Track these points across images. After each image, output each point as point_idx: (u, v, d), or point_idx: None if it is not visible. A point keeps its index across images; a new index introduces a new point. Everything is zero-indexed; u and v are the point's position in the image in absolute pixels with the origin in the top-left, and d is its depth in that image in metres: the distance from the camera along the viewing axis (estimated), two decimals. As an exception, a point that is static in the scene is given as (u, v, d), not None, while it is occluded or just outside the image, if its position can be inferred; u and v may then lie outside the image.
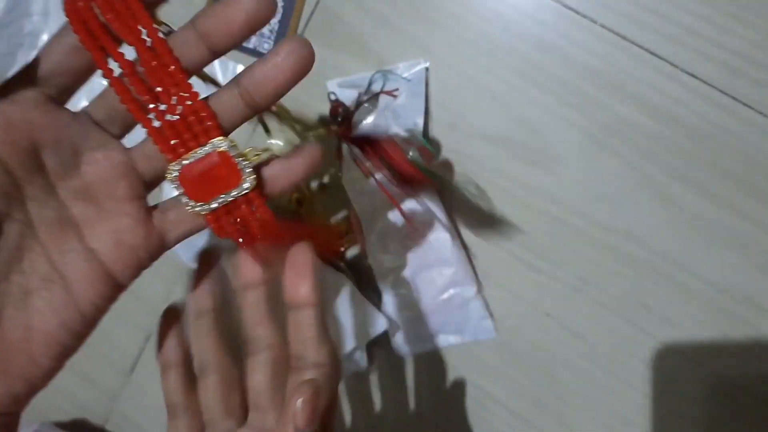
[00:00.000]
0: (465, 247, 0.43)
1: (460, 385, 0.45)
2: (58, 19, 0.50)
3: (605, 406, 0.43)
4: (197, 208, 0.23)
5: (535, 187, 0.43)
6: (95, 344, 0.52)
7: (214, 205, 0.23)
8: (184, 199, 0.23)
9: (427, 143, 0.43)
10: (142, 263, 0.24)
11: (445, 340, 0.44)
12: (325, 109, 0.44)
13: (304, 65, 0.22)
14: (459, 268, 0.42)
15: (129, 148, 0.24)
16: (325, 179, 0.47)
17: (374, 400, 0.48)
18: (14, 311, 0.22)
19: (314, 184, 0.46)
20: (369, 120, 0.43)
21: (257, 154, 0.23)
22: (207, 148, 0.22)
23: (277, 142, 0.23)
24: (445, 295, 0.42)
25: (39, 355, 0.22)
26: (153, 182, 0.24)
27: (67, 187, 0.23)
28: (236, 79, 0.23)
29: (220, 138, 0.22)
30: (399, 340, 0.44)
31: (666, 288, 0.42)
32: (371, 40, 0.44)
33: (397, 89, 0.43)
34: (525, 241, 0.43)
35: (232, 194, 0.23)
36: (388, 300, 0.44)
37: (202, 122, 0.22)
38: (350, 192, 0.43)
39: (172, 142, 0.22)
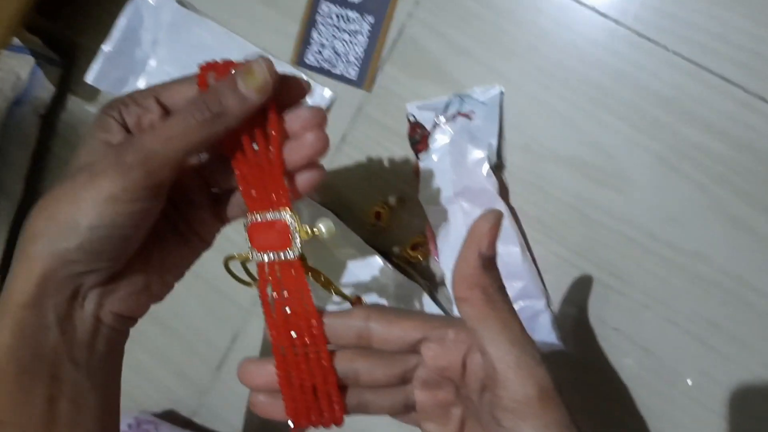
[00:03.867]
0: (534, 261, 0.46)
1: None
2: (165, 47, 0.55)
3: (671, 421, 0.44)
4: (254, 255, 0.29)
5: (606, 207, 0.45)
6: (189, 342, 0.57)
7: (266, 258, 0.29)
8: (248, 244, 0.30)
9: (501, 162, 0.45)
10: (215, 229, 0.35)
11: (513, 351, 0.46)
12: (405, 129, 0.48)
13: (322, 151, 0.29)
14: (529, 282, 0.44)
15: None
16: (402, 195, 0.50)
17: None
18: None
19: (392, 199, 0.49)
20: (446, 140, 0.46)
21: (308, 233, 0.28)
22: (275, 215, 0.29)
23: (322, 227, 0.29)
24: (515, 307, 0.44)
25: (167, 278, 0.34)
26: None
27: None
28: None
29: (288, 210, 0.28)
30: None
31: (735, 307, 0.43)
32: (450, 68, 0.47)
33: (472, 111, 0.45)
34: (594, 258, 0.45)
35: (282, 254, 0.29)
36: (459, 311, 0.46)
37: (279, 195, 0.29)
38: (426, 206, 0.46)
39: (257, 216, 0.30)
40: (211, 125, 0.27)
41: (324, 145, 0.29)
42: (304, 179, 0.30)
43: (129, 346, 0.59)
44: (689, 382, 0.44)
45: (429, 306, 0.47)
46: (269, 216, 0.29)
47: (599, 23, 0.44)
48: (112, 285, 0.29)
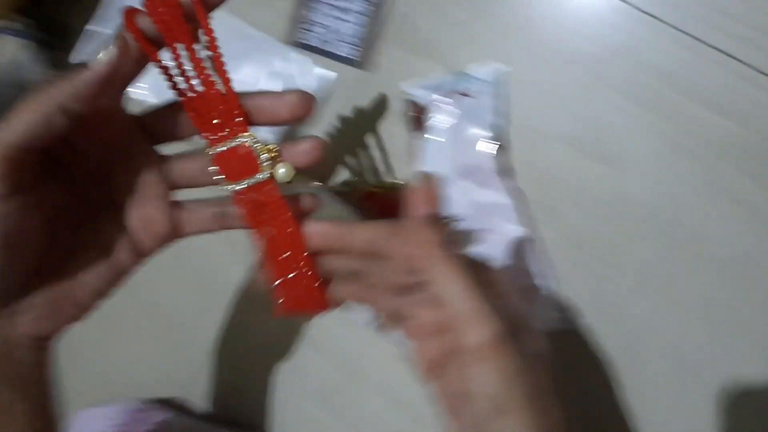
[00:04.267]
0: (539, 241, 0.45)
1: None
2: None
3: (674, 400, 0.44)
4: (228, 187, 0.28)
5: (609, 185, 0.44)
6: (187, 328, 0.56)
7: (239, 187, 0.28)
8: (218, 177, 0.28)
9: (504, 141, 0.45)
10: (159, 245, 0.30)
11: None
12: (403, 109, 0.47)
13: (302, 112, 0.28)
14: (528, 260, 0.43)
15: (167, 160, 0.30)
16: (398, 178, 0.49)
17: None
18: (70, 265, 0.28)
19: (388, 181, 0.49)
20: (443, 119, 0.45)
21: (274, 149, 0.28)
22: (236, 141, 0.28)
23: (281, 169, 0.28)
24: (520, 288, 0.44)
25: (83, 299, 0.29)
26: (180, 187, 0.30)
27: (115, 174, 0.29)
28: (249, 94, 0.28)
29: (246, 135, 0.28)
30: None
31: (739, 287, 0.42)
32: (446, 44, 0.46)
33: (472, 90, 0.45)
34: (598, 238, 0.45)
35: (252, 181, 0.28)
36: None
37: (234, 120, 0.28)
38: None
39: (213, 136, 0.28)
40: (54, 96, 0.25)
41: (308, 101, 0.28)
42: (301, 150, 0.29)
43: (127, 334, 0.58)
44: (691, 360, 0.43)
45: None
46: (231, 143, 0.28)
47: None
48: (13, 307, 0.27)
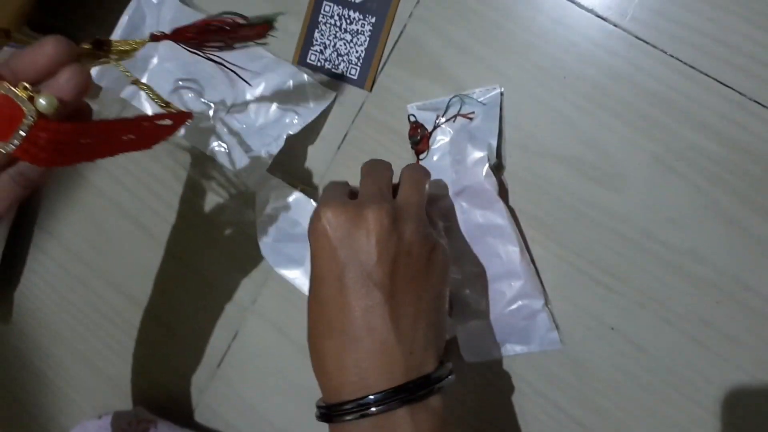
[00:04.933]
0: (533, 260, 0.46)
1: (525, 392, 0.48)
2: (167, 45, 0.55)
3: (666, 418, 0.45)
4: (5, 148, 0.27)
5: (602, 205, 0.45)
6: (188, 340, 0.57)
7: (16, 142, 0.27)
8: None
9: (500, 162, 0.46)
10: None
11: (511, 350, 0.47)
12: (406, 129, 0.48)
13: (62, 56, 0.28)
14: (528, 281, 0.44)
15: None
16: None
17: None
18: None
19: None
20: (446, 140, 0.47)
21: (28, 88, 0.27)
22: None
23: (41, 101, 0.27)
24: (514, 306, 0.45)
25: None
26: None
27: None
28: (7, 61, 0.28)
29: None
30: (467, 349, 0.47)
31: (729, 307, 0.43)
32: (450, 67, 0.48)
33: (473, 112, 0.46)
34: (591, 257, 0.46)
35: (24, 127, 0.27)
36: (458, 309, 0.47)
37: None
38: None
39: None
40: None
41: (60, 46, 0.28)
42: (63, 80, 0.28)
43: (127, 344, 0.59)
44: (685, 380, 0.44)
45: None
46: None
47: (597, 24, 0.44)
48: None
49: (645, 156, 0.44)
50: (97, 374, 0.62)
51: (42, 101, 0.27)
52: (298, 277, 0.51)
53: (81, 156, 0.30)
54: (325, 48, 0.51)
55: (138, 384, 0.60)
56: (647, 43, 0.44)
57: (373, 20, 0.49)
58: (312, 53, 0.51)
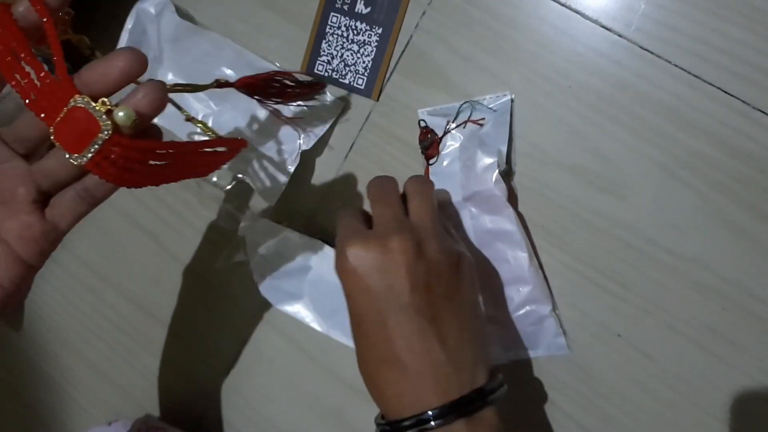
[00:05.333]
0: (541, 266, 0.47)
1: (532, 398, 0.48)
2: (169, 58, 0.56)
3: (672, 425, 0.45)
4: (78, 161, 0.27)
5: (608, 213, 0.46)
6: (196, 346, 0.57)
7: (89, 155, 0.27)
8: (66, 155, 0.27)
9: (510, 168, 0.46)
10: (45, 249, 0.31)
11: (518, 355, 0.47)
12: (413, 138, 0.49)
13: (135, 69, 0.27)
14: (536, 287, 0.45)
15: (30, 165, 0.30)
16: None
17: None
18: None
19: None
20: (456, 146, 0.47)
21: (107, 103, 0.27)
22: (68, 107, 0.27)
23: (119, 113, 0.27)
24: (521, 312, 0.46)
25: None
26: (49, 190, 0.31)
27: None
28: (79, 74, 0.28)
29: (76, 96, 0.27)
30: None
31: (735, 314, 0.44)
32: (456, 76, 0.48)
33: (483, 118, 0.47)
34: (597, 265, 0.46)
35: (99, 141, 0.27)
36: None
37: (62, 88, 0.27)
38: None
39: (42, 115, 0.27)
40: None
41: (135, 56, 0.27)
42: (141, 95, 0.28)
43: (136, 351, 0.60)
44: (691, 387, 0.45)
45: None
46: (64, 110, 0.27)
47: (602, 35, 0.45)
48: None
49: (650, 164, 0.45)
50: (106, 381, 0.62)
51: (120, 114, 0.27)
52: (300, 311, 0.52)
53: (147, 177, 0.30)
54: (333, 58, 0.52)
55: (147, 391, 0.60)
56: (651, 52, 0.44)
57: (380, 31, 0.50)
58: (319, 63, 0.52)
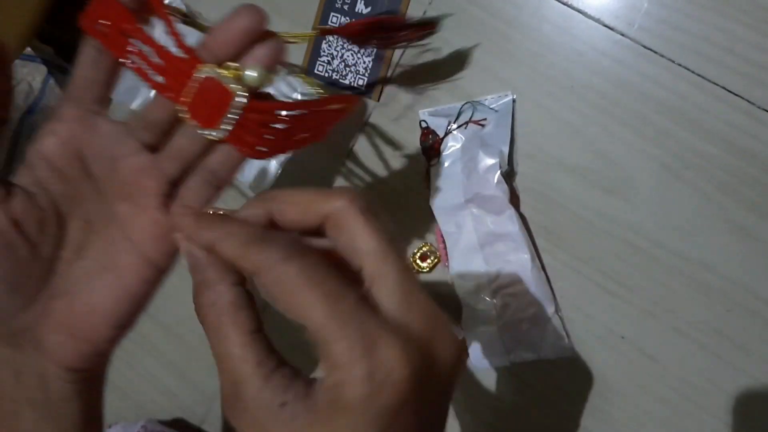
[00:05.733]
0: (543, 269, 0.46)
1: (534, 400, 0.48)
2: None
3: (677, 427, 0.45)
4: (214, 135, 0.26)
5: (612, 214, 0.45)
6: (196, 348, 0.57)
7: (226, 127, 0.25)
8: (201, 131, 0.26)
9: (512, 169, 0.46)
10: (174, 249, 0.28)
11: (521, 357, 0.47)
12: (414, 139, 0.49)
13: (257, 26, 0.25)
14: (538, 288, 0.44)
15: (155, 154, 0.28)
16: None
17: (451, 413, 0.50)
18: (80, 291, 0.27)
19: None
20: (457, 146, 0.47)
21: (236, 69, 0.25)
22: (195, 78, 0.25)
23: (251, 74, 0.26)
24: (524, 314, 0.45)
25: (100, 325, 0.28)
26: (178, 179, 0.28)
27: (111, 188, 0.28)
28: (202, 44, 0.25)
29: (200, 66, 0.25)
30: (477, 356, 0.47)
31: (739, 315, 0.43)
32: (457, 76, 0.48)
33: (485, 119, 0.46)
34: (601, 266, 0.46)
35: (234, 110, 0.25)
36: (468, 315, 0.47)
37: (185, 62, 0.25)
38: (436, 212, 0.47)
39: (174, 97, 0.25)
40: None
41: (256, 14, 0.25)
42: (263, 51, 0.25)
43: (137, 354, 0.59)
44: (695, 388, 0.44)
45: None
46: (192, 85, 0.25)
47: (605, 34, 0.45)
48: (34, 335, 0.27)
49: (653, 164, 0.44)
50: (107, 384, 0.62)
51: (253, 74, 0.25)
52: None
53: (281, 143, 0.27)
54: (333, 59, 0.51)
55: (147, 394, 0.60)
56: (655, 52, 0.44)
57: (381, 31, 0.50)
58: (320, 64, 0.52)
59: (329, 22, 0.51)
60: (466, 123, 0.46)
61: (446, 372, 0.23)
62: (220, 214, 0.26)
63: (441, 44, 0.48)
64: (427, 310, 0.23)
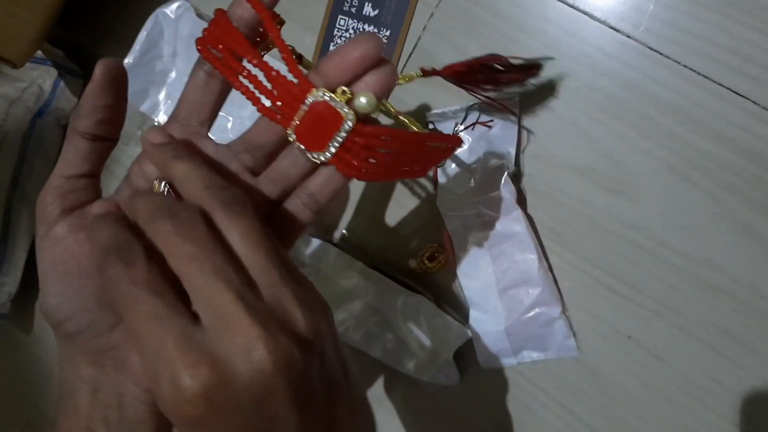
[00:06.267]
0: (551, 269, 0.46)
1: (542, 400, 0.48)
2: (185, 59, 0.57)
3: (683, 427, 0.45)
4: (321, 158, 0.26)
5: (618, 215, 0.45)
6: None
7: (333, 149, 0.26)
8: (309, 155, 0.26)
9: (519, 170, 0.46)
10: None
11: (528, 357, 0.47)
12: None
13: (373, 54, 0.25)
14: (545, 289, 0.45)
15: (255, 177, 0.29)
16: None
17: (459, 413, 0.51)
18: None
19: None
20: (464, 148, 0.47)
21: (346, 92, 0.25)
22: (307, 103, 0.25)
23: (363, 100, 0.26)
24: (531, 314, 0.45)
25: None
26: (278, 199, 0.29)
27: None
28: (317, 68, 0.26)
29: (314, 90, 0.25)
30: (484, 355, 0.48)
31: (746, 315, 0.43)
32: (465, 78, 0.48)
33: (491, 120, 0.47)
34: (608, 267, 0.46)
35: (343, 133, 0.25)
36: (475, 316, 0.47)
37: (298, 87, 0.25)
38: (444, 213, 0.47)
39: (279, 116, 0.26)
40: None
41: (373, 40, 0.25)
42: (375, 78, 0.25)
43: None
44: (702, 388, 0.44)
45: (436, 316, 0.48)
46: (303, 108, 0.25)
47: (610, 36, 0.45)
48: (116, 355, 0.27)
49: (659, 165, 0.45)
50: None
51: (363, 100, 0.25)
52: None
53: (384, 169, 0.27)
54: (341, 61, 0.52)
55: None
56: (660, 53, 0.44)
57: (388, 33, 0.50)
58: (327, 66, 0.52)
59: (337, 26, 0.51)
60: (473, 124, 0.47)
61: (244, 388, 0.22)
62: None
63: (449, 47, 0.49)
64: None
